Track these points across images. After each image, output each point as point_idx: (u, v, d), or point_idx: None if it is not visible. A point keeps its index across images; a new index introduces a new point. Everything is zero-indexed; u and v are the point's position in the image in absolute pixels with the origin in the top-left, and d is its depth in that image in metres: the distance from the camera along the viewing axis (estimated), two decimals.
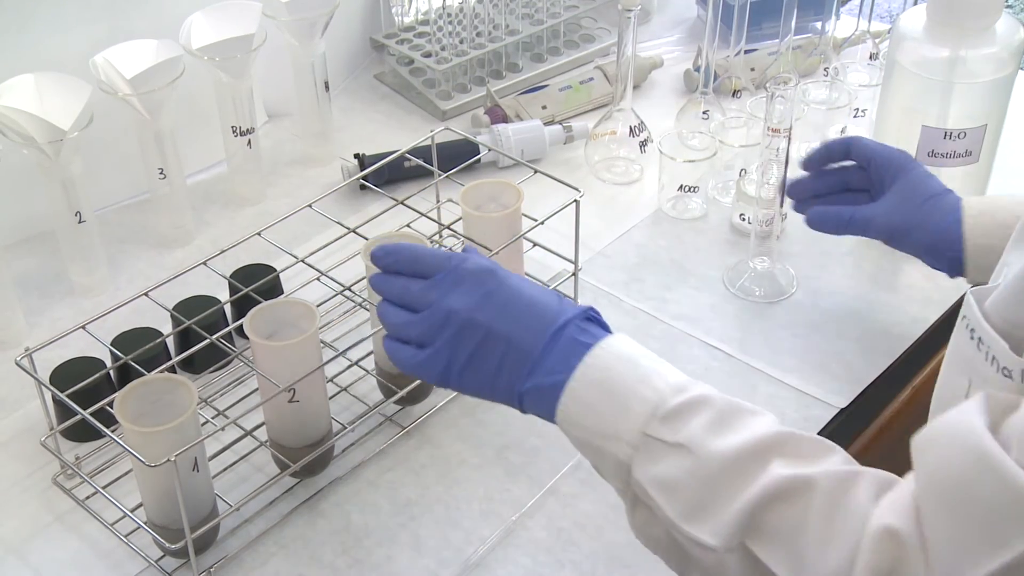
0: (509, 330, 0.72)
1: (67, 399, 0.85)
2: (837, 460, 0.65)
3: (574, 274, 1.05)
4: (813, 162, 1.05)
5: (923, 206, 0.97)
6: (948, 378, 0.72)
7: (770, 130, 1.00)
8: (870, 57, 1.34)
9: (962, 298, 0.68)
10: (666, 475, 0.66)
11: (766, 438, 0.65)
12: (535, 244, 1.06)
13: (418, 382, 0.94)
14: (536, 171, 1.05)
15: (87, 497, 0.89)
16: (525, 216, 0.99)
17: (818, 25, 1.39)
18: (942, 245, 0.96)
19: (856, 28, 1.35)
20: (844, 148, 1.03)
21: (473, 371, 0.73)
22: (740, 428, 0.66)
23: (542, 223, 0.99)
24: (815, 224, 1.04)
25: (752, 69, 1.38)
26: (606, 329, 0.74)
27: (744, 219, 1.17)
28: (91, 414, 0.83)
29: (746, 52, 1.30)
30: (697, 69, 1.38)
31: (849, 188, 1.04)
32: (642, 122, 1.27)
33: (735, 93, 1.33)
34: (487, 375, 0.73)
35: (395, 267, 0.78)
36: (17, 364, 0.86)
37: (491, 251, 0.94)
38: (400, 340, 0.76)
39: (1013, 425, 0.56)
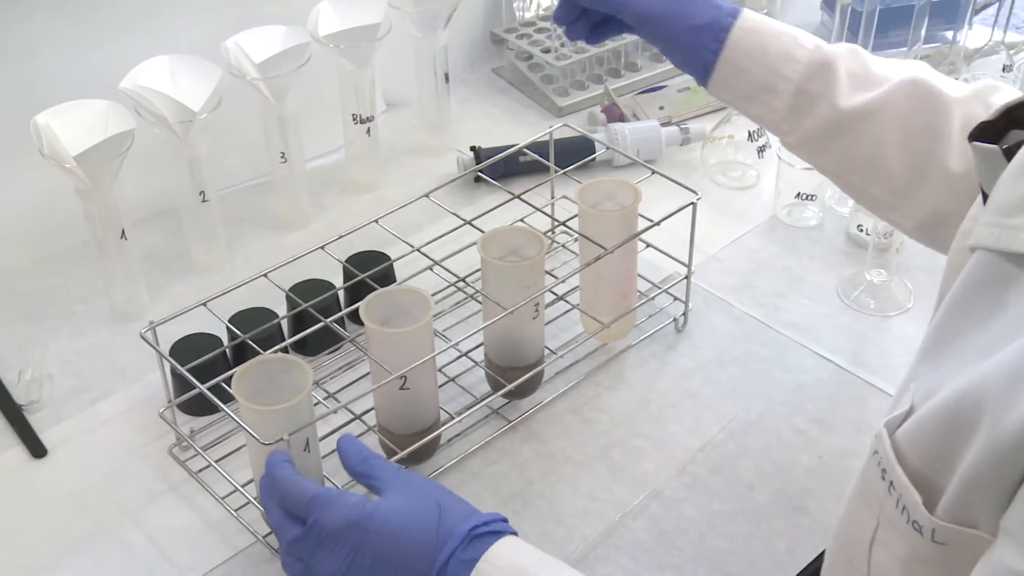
0: None
1: (187, 373, 0.88)
2: None
3: (686, 277, 1.05)
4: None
5: None
6: (855, 512, 0.61)
7: None
8: (1003, 69, 1.30)
9: None
10: None
11: None
12: (648, 245, 1.05)
13: (527, 376, 0.95)
14: (653, 172, 1.05)
15: (200, 470, 0.92)
16: (640, 216, 0.99)
17: (948, 34, 1.35)
18: (697, 45, 0.88)
19: (990, 38, 1.31)
20: None
21: None
22: None
23: (658, 224, 0.99)
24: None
25: None
26: (499, 532, 0.70)
27: (862, 230, 1.15)
28: (207, 389, 0.85)
29: None
30: None
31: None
32: (761, 127, 1.25)
33: None
34: None
35: (269, 495, 0.76)
36: (141, 337, 0.89)
37: (606, 249, 0.94)
38: None
39: None
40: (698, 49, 0.88)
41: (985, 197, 0.56)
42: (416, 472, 0.91)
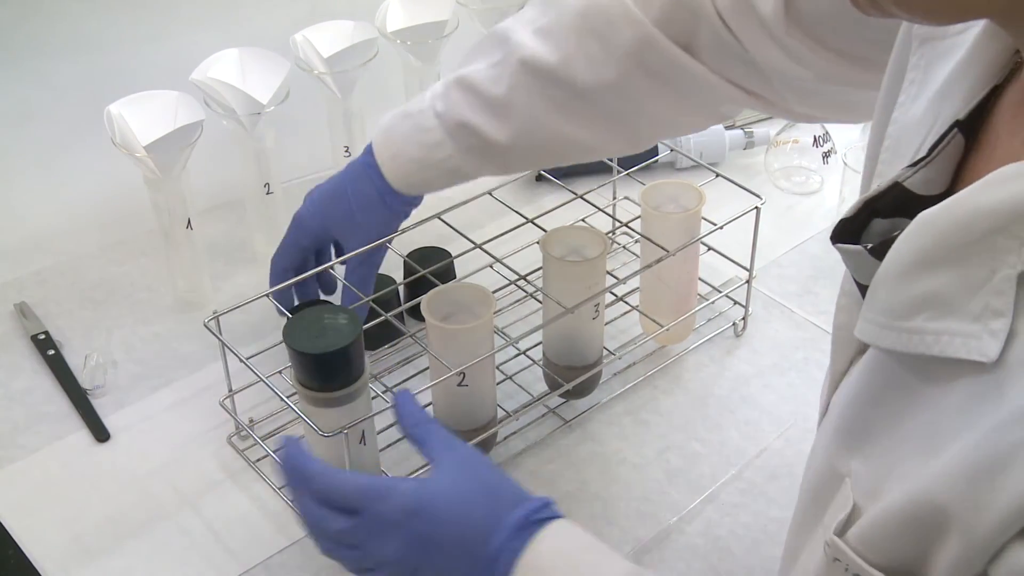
0: (441, 569, 0.69)
1: (248, 364, 0.88)
2: None
3: (747, 282, 1.04)
4: None
5: None
6: None
7: None
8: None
9: None
10: None
11: None
12: (709, 248, 1.05)
13: (585, 376, 0.94)
14: (717, 175, 1.04)
15: (258, 459, 0.92)
16: (703, 219, 0.98)
17: None
18: None
19: None
20: None
21: None
22: None
23: (721, 228, 0.98)
24: None
25: None
26: (549, 518, 0.69)
27: None
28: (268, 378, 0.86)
29: None
30: None
31: None
32: (827, 132, 1.24)
33: None
34: None
35: (305, 491, 0.73)
36: (205, 326, 0.90)
37: (667, 251, 0.94)
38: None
39: None
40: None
41: (860, 286, 0.54)
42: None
